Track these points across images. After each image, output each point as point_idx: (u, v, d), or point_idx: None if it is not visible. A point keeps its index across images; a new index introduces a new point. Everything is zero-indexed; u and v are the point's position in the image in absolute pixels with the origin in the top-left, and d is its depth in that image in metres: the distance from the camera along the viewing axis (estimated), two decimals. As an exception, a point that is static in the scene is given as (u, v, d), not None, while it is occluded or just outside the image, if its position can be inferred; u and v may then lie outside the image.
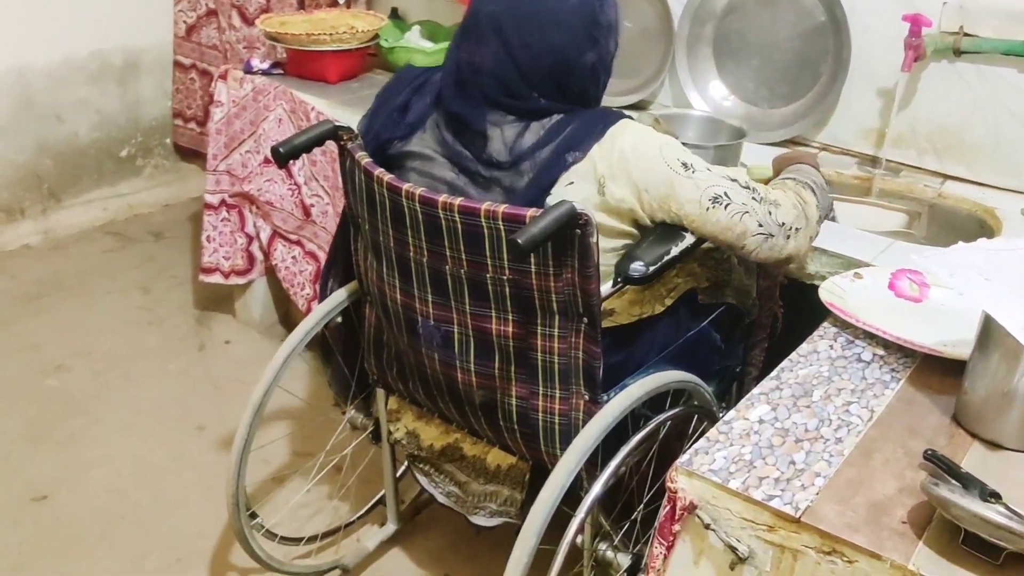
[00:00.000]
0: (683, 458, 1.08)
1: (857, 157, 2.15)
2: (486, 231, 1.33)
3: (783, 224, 1.45)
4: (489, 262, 1.37)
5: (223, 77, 2.51)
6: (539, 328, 1.41)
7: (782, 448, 1.11)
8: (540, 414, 1.48)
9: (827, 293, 1.46)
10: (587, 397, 1.42)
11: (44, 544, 2.01)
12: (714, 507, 1.05)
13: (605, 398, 1.43)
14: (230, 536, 2.00)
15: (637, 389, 1.43)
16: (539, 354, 1.43)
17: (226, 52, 3.25)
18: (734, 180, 1.42)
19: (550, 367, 1.43)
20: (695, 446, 1.11)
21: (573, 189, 1.36)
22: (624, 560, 1.49)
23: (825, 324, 1.43)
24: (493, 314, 1.43)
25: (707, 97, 2.28)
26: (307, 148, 1.58)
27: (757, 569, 1.03)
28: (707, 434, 1.13)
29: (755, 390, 1.23)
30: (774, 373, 1.28)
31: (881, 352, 1.34)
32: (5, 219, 3.20)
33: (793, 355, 1.33)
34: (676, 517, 1.07)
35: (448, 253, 1.40)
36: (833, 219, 1.94)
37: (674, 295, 1.59)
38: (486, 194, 1.43)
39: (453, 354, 1.51)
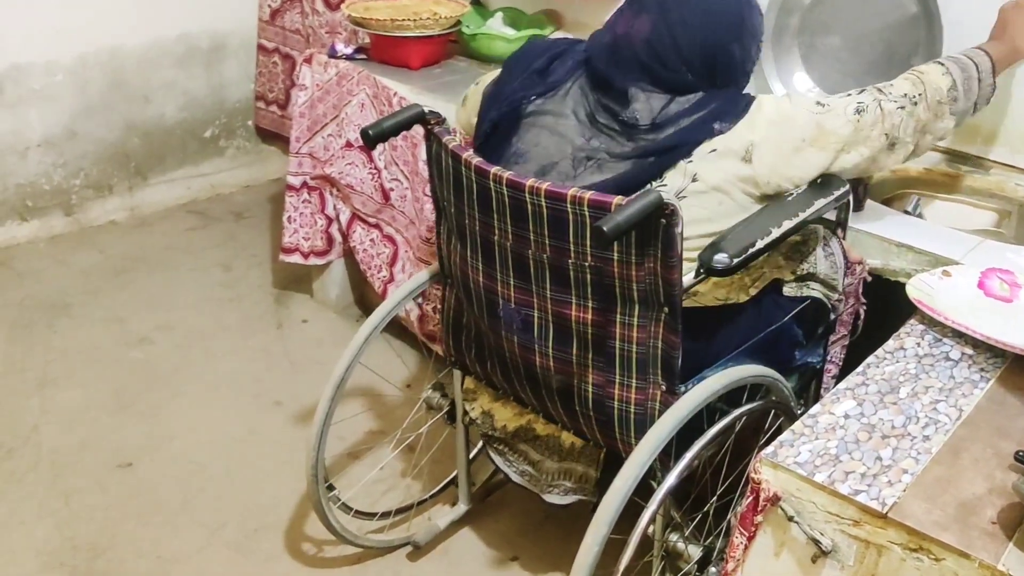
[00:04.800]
0: (768, 450, 1.08)
1: (946, 153, 2.10)
2: (571, 217, 1.34)
3: (905, 94, 1.51)
4: (572, 248, 1.38)
5: (308, 61, 2.55)
6: (618, 316, 1.42)
7: (868, 444, 1.11)
8: (616, 402, 1.48)
9: (915, 290, 1.44)
10: (664, 387, 1.43)
11: (128, 510, 2.08)
12: (798, 500, 1.05)
13: (682, 389, 1.43)
14: (305, 508, 2.05)
15: (715, 382, 1.42)
16: (617, 342, 1.44)
17: (308, 36, 3.30)
18: (860, 91, 1.51)
19: (628, 356, 1.44)
20: (780, 438, 1.11)
21: (715, 156, 1.40)
22: (695, 552, 1.49)
23: (912, 321, 1.41)
24: (573, 300, 1.44)
25: (791, 89, 2.24)
26: (395, 131, 1.60)
27: (840, 563, 1.03)
28: (792, 427, 1.13)
29: (841, 385, 1.22)
30: (860, 369, 1.27)
31: (970, 351, 1.32)
32: (94, 195, 3.31)
33: (879, 351, 1.32)
34: (759, 508, 1.07)
35: (532, 237, 1.42)
36: (920, 216, 1.91)
37: (759, 284, 1.58)
38: (621, 155, 1.45)
39: (532, 338, 1.52)
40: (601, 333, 1.44)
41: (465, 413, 1.83)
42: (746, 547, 1.09)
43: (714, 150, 1.40)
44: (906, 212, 1.92)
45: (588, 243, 1.36)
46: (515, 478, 1.77)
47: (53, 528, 2.02)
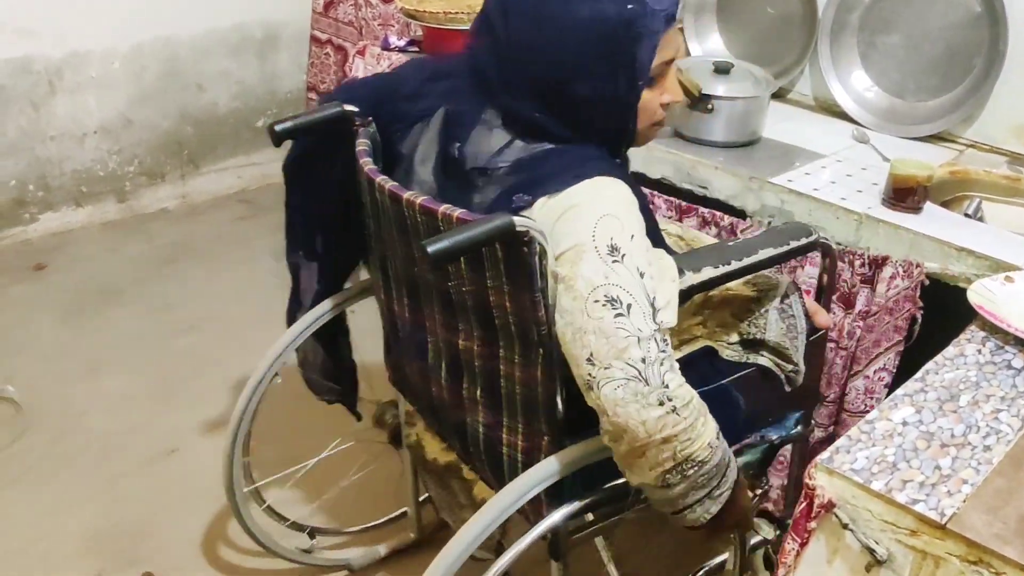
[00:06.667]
0: (823, 455, 1.05)
1: (1007, 156, 2.05)
2: None
3: (667, 387, 1.09)
4: (450, 269, 1.22)
5: (361, 53, 2.56)
6: (502, 351, 1.25)
7: (927, 452, 1.07)
8: (505, 448, 1.33)
9: (976, 295, 1.40)
10: (547, 439, 1.26)
11: (173, 495, 2.10)
12: (853, 507, 1.02)
13: (568, 443, 1.25)
14: (346, 501, 2.05)
15: (561, 459, 1.23)
16: (502, 380, 1.27)
17: (361, 28, 3.31)
18: (656, 311, 1.11)
19: (513, 397, 1.27)
20: (836, 444, 1.08)
21: None
22: None
23: (972, 327, 1.37)
24: (460, 327, 1.29)
25: (849, 87, 2.21)
26: (306, 130, 1.43)
27: (895, 573, 1.00)
28: (848, 432, 1.10)
29: (898, 391, 1.19)
30: (919, 375, 1.23)
31: (1034, 360, 1.28)
32: (146, 182, 3.35)
33: (938, 357, 1.28)
34: (812, 515, 1.04)
35: (417, 255, 1.28)
36: (980, 219, 1.86)
37: (689, 348, 1.40)
38: (462, 199, 1.23)
39: (427, 365, 1.40)
40: (488, 368, 1.27)
41: (407, 437, 1.69)
42: (798, 553, 1.06)
43: None
44: (966, 215, 1.87)
45: (463, 266, 1.19)
46: (445, 516, 1.65)
47: (99, 512, 2.04)
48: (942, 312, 1.61)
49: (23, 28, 2.92)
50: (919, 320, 1.68)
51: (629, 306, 1.09)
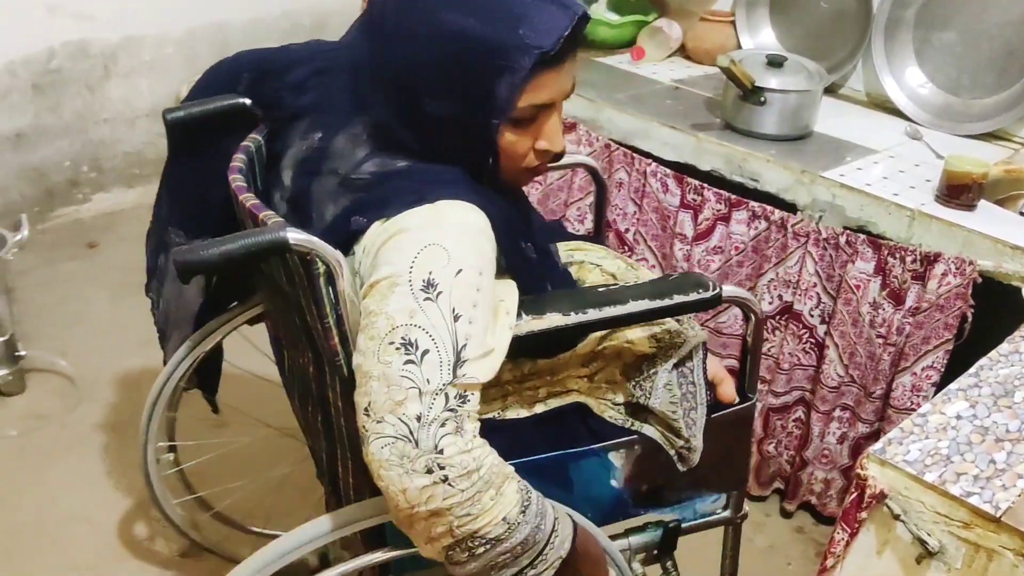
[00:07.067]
0: (876, 446, 1.06)
1: (1064, 155, 2.03)
2: None
3: (440, 452, 0.94)
4: (280, 282, 1.12)
5: (411, 40, 2.57)
6: (327, 378, 1.13)
7: (981, 446, 1.07)
8: (340, 482, 1.23)
9: (1031, 293, 1.39)
10: (371, 481, 1.07)
11: (223, 466, 2.14)
12: (906, 498, 1.03)
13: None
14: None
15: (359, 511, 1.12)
16: (332, 410, 1.16)
17: (410, 17, 3.33)
18: (463, 362, 0.96)
19: (341, 429, 1.16)
20: (887, 436, 1.08)
21: (347, 262, 1.06)
22: None
23: (1026, 325, 1.36)
24: (300, 346, 1.18)
25: (903, 83, 2.19)
26: (202, 121, 1.30)
27: (947, 565, 1.01)
28: (901, 424, 1.10)
29: (952, 385, 1.19)
30: (972, 370, 1.23)
31: (1090, 359, 1.27)
32: (196, 166, 3.40)
33: (993, 354, 1.28)
34: (863, 505, 1.05)
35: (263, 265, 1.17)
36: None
37: (555, 402, 1.24)
38: (318, 208, 1.12)
39: (286, 378, 1.33)
40: (322, 395, 1.16)
41: None
42: (847, 543, 1.07)
43: (353, 253, 1.05)
44: (1021, 214, 1.85)
45: (284, 278, 1.08)
46: None
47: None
48: (993, 312, 1.60)
49: (81, 12, 2.97)
50: (969, 318, 1.67)
51: (425, 352, 0.94)
